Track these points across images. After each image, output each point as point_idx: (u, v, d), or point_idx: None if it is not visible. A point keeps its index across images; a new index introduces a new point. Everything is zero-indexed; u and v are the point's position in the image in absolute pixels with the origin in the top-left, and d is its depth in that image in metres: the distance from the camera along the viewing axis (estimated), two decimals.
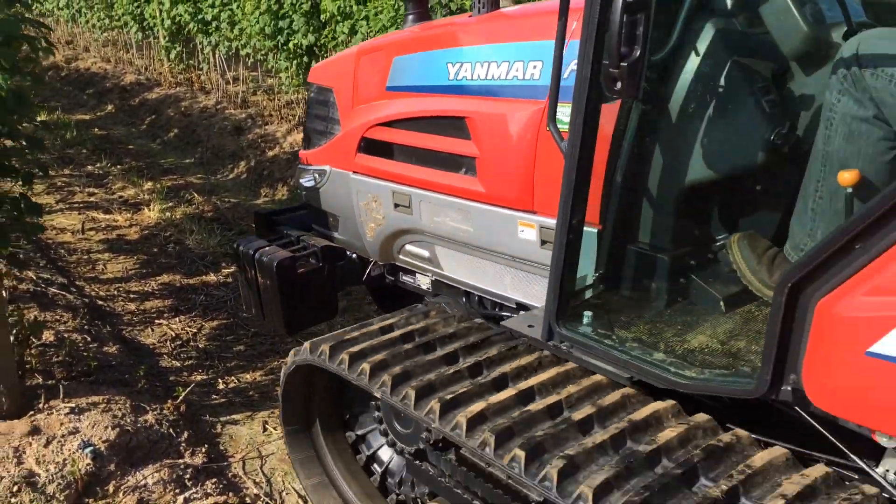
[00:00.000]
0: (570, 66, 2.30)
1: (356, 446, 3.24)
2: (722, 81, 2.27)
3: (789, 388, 1.78)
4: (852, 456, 1.84)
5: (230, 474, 3.61)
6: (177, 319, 5.20)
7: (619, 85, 1.96)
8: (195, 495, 3.32)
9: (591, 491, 1.81)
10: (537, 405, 2.19)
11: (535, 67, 2.63)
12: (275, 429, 3.93)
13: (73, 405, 3.67)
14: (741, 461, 1.91)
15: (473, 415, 2.16)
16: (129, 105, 12.01)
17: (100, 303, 5.44)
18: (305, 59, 8.49)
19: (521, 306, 2.86)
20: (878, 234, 1.58)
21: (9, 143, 3.58)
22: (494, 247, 2.84)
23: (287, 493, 3.49)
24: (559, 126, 2.22)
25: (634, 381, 2.21)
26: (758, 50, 2.35)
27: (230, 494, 3.38)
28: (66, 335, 4.50)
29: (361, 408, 3.20)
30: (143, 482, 3.34)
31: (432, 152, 2.98)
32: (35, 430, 3.48)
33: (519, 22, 2.94)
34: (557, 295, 2.25)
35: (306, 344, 2.81)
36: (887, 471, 1.82)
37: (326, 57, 7.52)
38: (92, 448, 3.38)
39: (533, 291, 2.79)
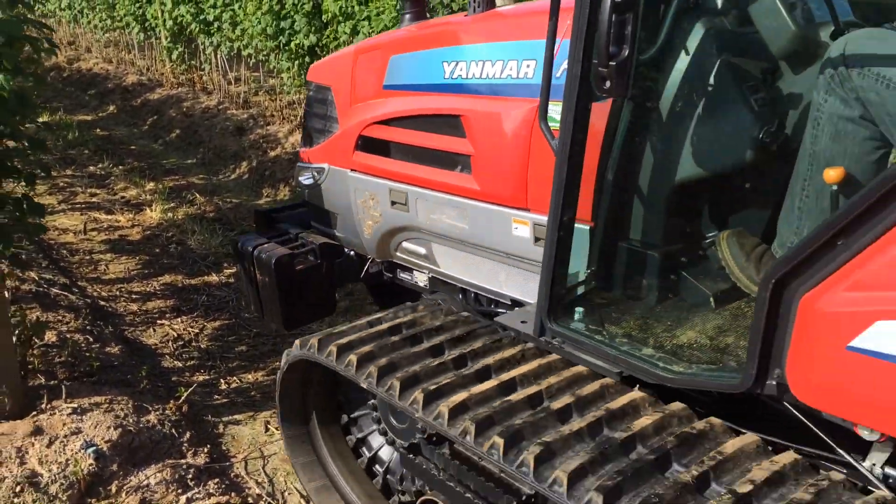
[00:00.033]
0: (562, 65, 2.33)
1: (357, 449, 3.25)
2: (711, 80, 2.29)
3: (774, 383, 1.81)
4: (839, 450, 1.87)
5: (232, 474, 3.62)
6: (179, 320, 5.21)
7: (608, 84, 1.99)
8: (197, 495, 3.33)
9: (566, 475, 1.86)
10: (518, 395, 2.24)
11: (528, 66, 2.66)
12: (277, 429, 3.93)
13: (76, 405, 3.68)
14: (713, 448, 1.96)
15: (455, 404, 2.21)
16: (131, 106, 12.02)
17: (102, 303, 5.46)
18: (307, 59, 8.47)
19: (516, 302, 2.89)
20: (859, 230, 1.61)
21: (11, 143, 3.60)
22: (489, 244, 2.87)
23: (289, 494, 3.49)
24: (550, 124, 2.25)
25: (624, 377, 2.25)
26: (747, 49, 2.37)
27: (232, 494, 3.40)
28: (68, 336, 4.52)
29: (361, 410, 3.21)
30: (145, 482, 3.35)
31: (428, 150, 3.01)
32: (38, 431, 3.50)
33: (513, 21, 2.96)
34: (549, 291, 2.28)
35: (297, 341, 2.86)
36: (874, 464, 1.85)
37: None
38: (94, 448, 3.39)
39: (527, 288, 2.81)
